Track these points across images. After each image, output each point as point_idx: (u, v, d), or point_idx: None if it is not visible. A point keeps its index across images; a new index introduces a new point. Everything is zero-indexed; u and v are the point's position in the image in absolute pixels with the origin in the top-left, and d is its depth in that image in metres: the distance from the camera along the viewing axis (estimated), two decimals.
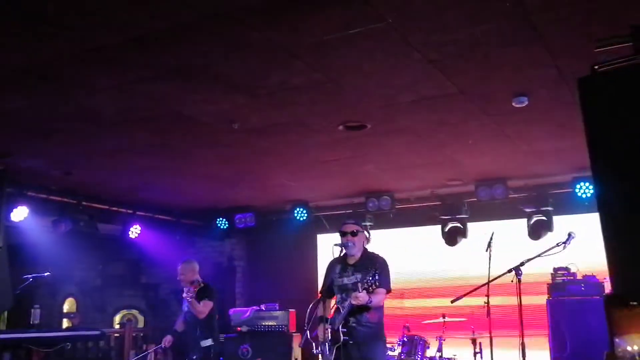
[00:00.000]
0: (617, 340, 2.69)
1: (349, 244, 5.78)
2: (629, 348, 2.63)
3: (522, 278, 5.56)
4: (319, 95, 5.55)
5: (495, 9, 4.01)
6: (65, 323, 12.72)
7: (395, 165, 8.06)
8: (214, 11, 4.00)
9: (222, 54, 4.67)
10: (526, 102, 5.62)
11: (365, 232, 6.39)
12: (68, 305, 13.33)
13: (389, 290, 5.79)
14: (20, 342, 7.68)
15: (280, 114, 6.04)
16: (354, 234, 5.82)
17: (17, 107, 5.77)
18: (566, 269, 8.28)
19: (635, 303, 2.74)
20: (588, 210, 8.01)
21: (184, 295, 6.97)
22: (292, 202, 10.25)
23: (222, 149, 7.27)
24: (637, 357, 2.61)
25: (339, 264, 5.88)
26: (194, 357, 7.17)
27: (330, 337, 5.63)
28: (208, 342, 7.17)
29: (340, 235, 5.85)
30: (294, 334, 9.49)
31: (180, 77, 5.12)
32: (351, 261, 5.87)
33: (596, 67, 3.74)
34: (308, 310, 5.95)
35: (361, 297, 5.41)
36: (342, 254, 5.85)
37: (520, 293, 5.48)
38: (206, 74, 5.03)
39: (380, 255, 5.98)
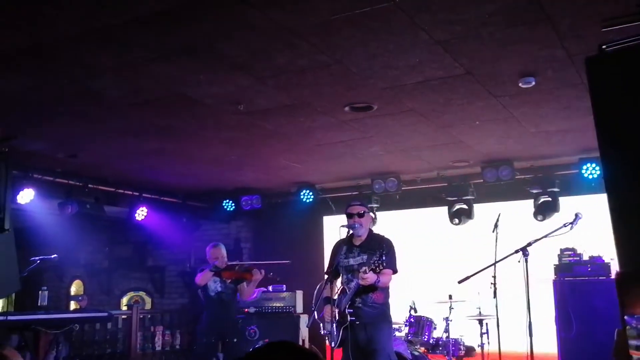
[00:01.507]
0: (627, 318, 2.69)
1: (356, 225, 5.81)
2: (639, 327, 2.63)
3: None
4: (324, 77, 5.52)
5: None
6: (73, 305, 12.82)
7: (402, 146, 8.03)
8: None
9: (226, 35, 4.64)
10: (533, 83, 5.59)
11: (371, 214, 6.40)
12: (75, 288, 13.43)
13: (395, 271, 5.82)
14: (28, 324, 7.73)
15: (285, 95, 6.01)
16: (360, 215, 5.85)
17: (21, 89, 5.76)
18: (572, 249, 8.27)
19: None
20: (595, 191, 8.01)
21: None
22: (298, 184, 10.26)
23: (228, 131, 7.25)
24: None
25: (345, 245, 5.90)
26: (235, 340, 7.25)
27: (337, 318, 5.66)
28: (239, 324, 7.31)
29: (347, 217, 5.88)
30: (301, 315, 9.53)
31: (184, 59, 5.09)
32: (357, 242, 5.90)
33: (604, 46, 3.72)
34: (315, 291, 5.99)
35: (369, 277, 5.44)
36: (348, 235, 5.87)
37: (527, 274, 5.47)
38: (210, 55, 5.01)
39: (386, 236, 6.00)
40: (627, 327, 2.68)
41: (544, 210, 8.83)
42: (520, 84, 5.63)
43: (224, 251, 7.54)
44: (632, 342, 2.68)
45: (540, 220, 8.77)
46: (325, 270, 6.21)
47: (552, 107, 6.42)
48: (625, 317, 2.70)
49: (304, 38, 4.69)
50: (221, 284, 7.45)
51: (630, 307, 2.73)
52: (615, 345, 4.53)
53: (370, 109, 6.40)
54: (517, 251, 5.53)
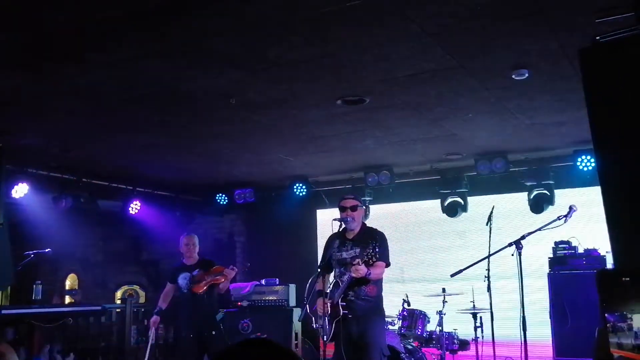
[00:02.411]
0: (608, 316, 2.69)
1: (349, 219, 5.79)
2: (620, 324, 2.63)
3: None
4: (316, 70, 5.49)
5: None
6: (67, 300, 12.78)
7: (395, 139, 8.01)
8: None
9: (217, 29, 4.62)
10: (526, 75, 5.57)
11: (364, 207, 6.38)
12: (70, 281, 13.39)
13: (388, 264, 5.80)
14: (23, 318, 7.73)
15: (277, 89, 5.99)
16: (353, 208, 5.82)
17: (14, 85, 5.75)
18: (567, 242, 8.27)
19: (627, 279, 2.75)
20: (589, 183, 7.99)
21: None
22: (291, 178, 10.23)
23: (220, 125, 7.23)
24: (627, 332, 2.61)
25: (338, 239, 5.89)
26: (213, 333, 7.19)
27: (329, 311, 5.65)
28: (220, 316, 7.26)
29: (340, 210, 5.86)
30: (294, 309, 9.52)
31: (177, 53, 5.08)
32: (350, 236, 5.88)
33: (598, 37, 3.70)
34: (307, 284, 5.97)
35: (360, 269, 5.43)
36: (341, 229, 5.85)
37: (521, 267, 5.45)
38: (202, 49, 4.98)
39: (379, 229, 5.98)
40: (608, 325, 2.68)
41: (539, 203, 8.82)
42: (513, 76, 5.61)
43: (195, 240, 7.45)
44: (613, 340, 2.67)
45: (536, 213, 8.75)
46: (318, 263, 6.19)
47: (546, 99, 6.40)
48: (606, 315, 2.70)
49: (295, 32, 4.66)
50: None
51: (610, 305, 2.73)
52: (595, 343, 4.54)
53: (363, 102, 6.38)
54: (510, 244, 5.51)
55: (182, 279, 7.30)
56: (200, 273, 7.24)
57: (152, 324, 7.59)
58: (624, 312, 2.63)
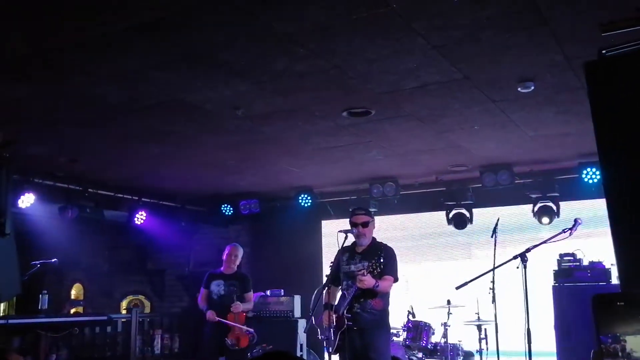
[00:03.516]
0: (603, 337, 2.75)
1: (360, 235, 5.81)
2: (614, 345, 2.70)
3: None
4: (322, 82, 5.52)
5: None
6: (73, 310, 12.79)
7: (400, 151, 8.03)
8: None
9: (224, 41, 4.65)
10: (532, 88, 5.58)
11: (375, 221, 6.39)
12: (75, 291, 13.40)
13: (396, 279, 5.81)
14: (30, 327, 7.76)
15: (284, 100, 6.01)
16: (365, 225, 5.86)
17: (21, 96, 5.77)
18: (572, 255, 8.24)
19: (621, 303, 2.82)
20: (595, 195, 7.98)
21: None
22: (296, 189, 10.24)
23: (226, 136, 7.25)
24: (619, 355, 2.67)
25: (348, 252, 5.93)
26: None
27: (334, 323, 5.65)
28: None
29: (351, 226, 5.87)
30: (299, 320, 9.51)
31: (183, 65, 5.10)
32: (359, 250, 5.91)
33: (604, 51, 3.71)
34: (313, 296, 5.98)
35: (366, 280, 5.44)
36: (347, 242, 5.86)
37: (526, 280, 5.45)
38: (209, 61, 5.01)
39: (388, 244, 5.99)
40: (602, 347, 2.74)
41: (544, 215, 8.81)
42: (519, 89, 5.62)
43: (239, 252, 7.89)
44: None
45: (545, 224, 8.75)
46: (326, 275, 6.21)
47: (551, 111, 6.41)
48: (601, 337, 2.76)
49: (301, 44, 4.69)
50: (224, 287, 7.57)
51: (605, 327, 2.79)
52: None
53: (369, 113, 6.39)
54: (515, 257, 5.50)
55: (216, 285, 7.67)
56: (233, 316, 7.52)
57: (211, 317, 7.58)
58: (618, 335, 2.72)
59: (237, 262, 7.83)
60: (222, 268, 7.80)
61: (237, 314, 7.45)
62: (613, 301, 2.86)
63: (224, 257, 7.80)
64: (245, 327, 7.49)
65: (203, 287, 7.78)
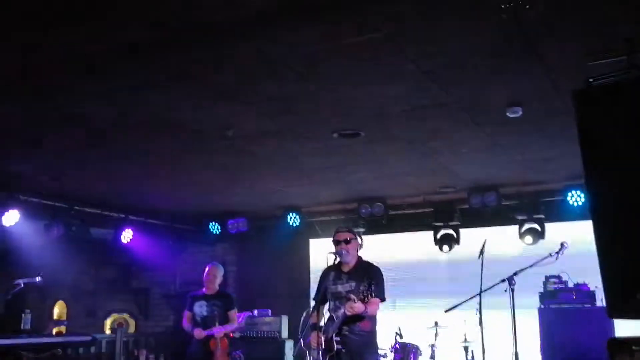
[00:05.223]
0: None
1: (343, 252, 5.79)
2: None
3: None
4: (312, 104, 5.54)
5: (490, 22, 4.01)
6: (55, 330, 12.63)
7: (388, 172, 8.06)
8: (204, 22, 4.00)
9: (214, 64, 4.66)
10: (520, 113, 5.62)
11: (358, 238, 6.38)
12: (59, 309, 13.24)
13: (383, 299, 5.79)
14: (10, 349, 7.63)
15: (273, 121, 6.03)
16: (347, 242, 5.82)
17: (5, 114, 5.74)
18: (558, 277, 8.29)
19: (637, 348, 2.84)
20: (580, 217, 8.04)
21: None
22: (284, 208, 10.23)
23: (215, 156, 7.24)
24: None
25: (333, 271, 5.87)
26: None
27: (323, 346, 5.63)
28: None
29: (334, 244, 5.85)
30: (286, 340, 9.47)
31: (172, 86, 5.10)
32: (345, 269, 5.87)
33: (591, 79, 3.78)
34: (302, 317, 5.96)
35: (357, 307, 5.42)
36: (336, 262, 5.86)
37: (513, 303, 5.48)
38: (197, 83, 5.02)
39: (375, 264, 5.98)
40: None
41: (530, 237, 8.87)
42: (507, 114, 5.66)
43: (218, 272, 7.83)
44: None
45: (529, 244, 8.80)
46: (313, 297, 6.18)
47: (539, 135, 6.47)
48: None
49: (291, 68, 4.71)
50: (207, 307, 7.50)
51: None
52: None
53: (358, 135, 6.42)
54: (503, 281, 5.54)
55: (198, 307, 7.61)
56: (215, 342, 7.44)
57: (198, 334, 7.51)
58: None
59: (218, 282, 7.77)
60: (204, 289, 7.76)
61: (220, 339, 7.40)
62: (629, 346, 2.89)
63: (204, 277, 7.76)
64: (232, 353, 7.46)
65: (187, 310, 7.73)
